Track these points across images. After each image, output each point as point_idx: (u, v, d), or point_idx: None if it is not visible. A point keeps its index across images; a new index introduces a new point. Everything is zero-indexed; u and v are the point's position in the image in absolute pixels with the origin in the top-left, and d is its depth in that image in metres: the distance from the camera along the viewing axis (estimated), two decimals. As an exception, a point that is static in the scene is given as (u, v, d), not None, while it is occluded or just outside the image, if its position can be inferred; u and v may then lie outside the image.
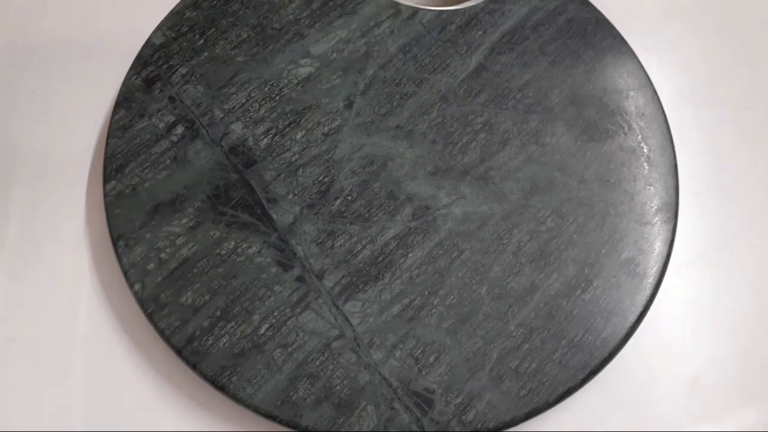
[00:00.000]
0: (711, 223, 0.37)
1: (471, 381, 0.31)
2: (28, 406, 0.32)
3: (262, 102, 0.36)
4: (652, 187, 0.36)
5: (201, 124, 0.36)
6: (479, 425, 0.31)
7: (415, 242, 0.34)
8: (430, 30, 0.39)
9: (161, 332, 0.31)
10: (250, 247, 0.33)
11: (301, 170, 0.35)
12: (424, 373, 0.32)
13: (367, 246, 0.34)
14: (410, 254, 0.34)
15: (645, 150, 0.37)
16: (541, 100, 0.38)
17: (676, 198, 0.36)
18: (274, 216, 0.34)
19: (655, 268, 0.34)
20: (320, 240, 0.34)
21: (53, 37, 0.39)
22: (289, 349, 0.32)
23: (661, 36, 0.42)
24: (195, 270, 0.33)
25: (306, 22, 0.38)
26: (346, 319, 0.32)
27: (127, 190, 0.34)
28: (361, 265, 0.33)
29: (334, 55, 0.38)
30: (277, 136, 0.36)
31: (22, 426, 0.32)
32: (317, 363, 0.31)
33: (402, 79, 0.37)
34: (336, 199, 0.35)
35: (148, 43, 0.37)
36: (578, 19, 0.40)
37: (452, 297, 0.33)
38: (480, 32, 0.39)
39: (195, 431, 0.32)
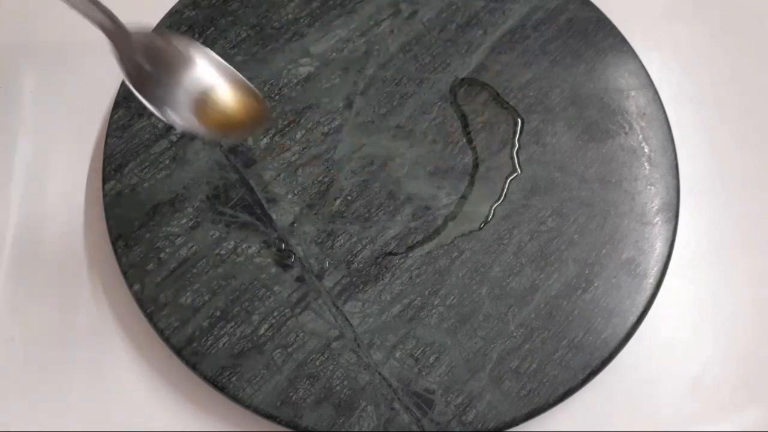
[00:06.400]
0: (712, 223, 0.37)
1: (471, 381, 0.31)
2: (28, 406, 0.32)
3: (262, 101, 0.36)
4: (653, 187, 0.36)
5: (200, 123, 0.36)
6: (479, 426, 0.31)
7: (415, 242, 0.34)
8: (431, 29, 0.39)
9: (161, 332, 0.31)
10: (249, 247, 0.33)
11: (300, 170, 0.35)
12: (424, 373, 0.31)
13: (367, 246, 0.34)
14: (410, 254, 0.34)
15: (646, 150, 0.37)
16: (541, 99, 0.37)
17: (677, 198, 0.36)
18: (274, 216, 0.34)
19: (655, 269, 0.34)
20: (320, 240, 0.34)
21: (52, 37, 0.39)
22: (289, 350, 0.31)
23: (662, 35, 0.42)
24: (194, 270, 0.33)
25: (305, 22, 0.38)
26: (346, 319, 0.32)
27: (126, 190, 0.34)
28: (361, 265, 0.33)
29: (334, 54, 0.37)
30: (277, 136, 0.36)
31: (21, 426, 0.31)
32: (317, 363, 0.31)
33: (402, 79, 0.37)
34: (336, 199, 0.35)
35: (148, 42, 0.37)
36: (579, 19, 0.39)
37: (452, 297, 0.33)
38: (480, 31, 0.39)
39: (195, 431, 0.32)
